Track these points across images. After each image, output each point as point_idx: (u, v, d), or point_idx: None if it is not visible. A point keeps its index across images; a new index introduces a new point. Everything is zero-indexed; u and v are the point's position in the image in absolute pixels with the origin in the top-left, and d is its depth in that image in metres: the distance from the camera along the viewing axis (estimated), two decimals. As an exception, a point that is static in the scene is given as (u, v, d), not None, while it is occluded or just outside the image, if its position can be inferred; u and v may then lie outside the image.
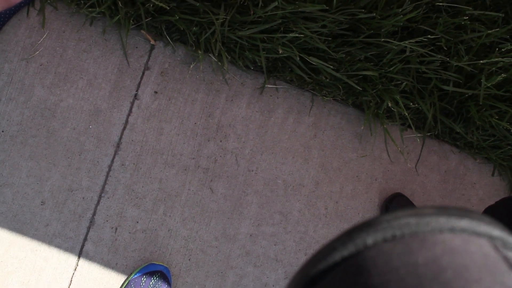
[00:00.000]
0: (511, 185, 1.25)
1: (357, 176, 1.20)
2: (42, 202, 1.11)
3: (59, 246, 1.10)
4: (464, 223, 0.25)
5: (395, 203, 1.15)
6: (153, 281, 1.07)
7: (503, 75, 1.16)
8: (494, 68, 1.19)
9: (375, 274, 0.23)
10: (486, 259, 0.23)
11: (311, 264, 0.26)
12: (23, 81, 1.13)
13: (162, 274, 1.08)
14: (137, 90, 1.17)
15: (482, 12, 1.21)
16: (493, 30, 1.19)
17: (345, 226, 1.17)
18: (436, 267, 0.22)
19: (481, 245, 0.24)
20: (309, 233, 1.18)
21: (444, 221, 0.25)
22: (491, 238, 0.25)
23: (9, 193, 1.10)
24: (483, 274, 0.22)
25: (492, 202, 1.21)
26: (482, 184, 1.23)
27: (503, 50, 1.20)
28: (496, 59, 1.17)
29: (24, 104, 1.13)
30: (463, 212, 0.25)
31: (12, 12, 1.14)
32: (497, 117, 1.18)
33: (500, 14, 1.22)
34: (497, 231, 0.25)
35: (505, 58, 1.17)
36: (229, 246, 1.15)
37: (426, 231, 0.24)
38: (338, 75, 1.15)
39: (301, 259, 1.18)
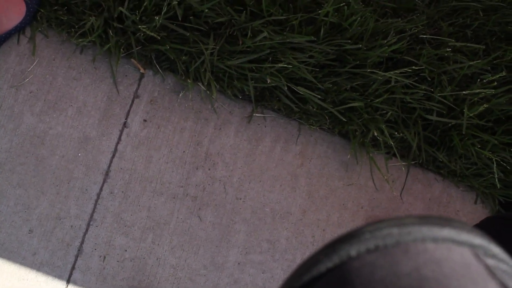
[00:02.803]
0: (493, 212, 1.28)
1: (343, 204, 1.22)
2: (30, 230, 1.11)
3: (46, 275, 1.10)
4: (446, 232, 0.25)
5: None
6: (140, 311, 1.07)
7: (485, 105, 1.19)
8: (476, 99, 1.22)
9: (359, 285, 0.23)
10: (468, 268, 0.23)
11: (296, 276, 0.27)
12: (12, 108, 1.14)
13: (150, 304, 1.09)
14: (126, 118, 1.18)
15: (464, 44, 1.25)
16: (475, 62, 1.22)
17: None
18: (419, 276, 0.23)
19: (462, 254, 0.24)
20: (297, 261, 1.19)
21: (426, 231, 0.25)
22: (472, 246, 0.25)
23: (-3, 222, 1.10)
24: (466, 283, 0.22)
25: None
26: (465, 212, 1.26)
27: (484, 81, 1.24)
28: (478, 90, 1.21)
29: (13, 132, 1.13)
30: (444, 221, 0.26)
31: (2, 39, 1.15)
32: (479, 146, 1.21)
33: (481, 46, 1.26)
34: (478, 239, 0.26)
35: (486, 89, 1.21)
36: (218, 275, 1.16)
37: (408, 241, 0.25)
38: (324, 105, 1.18)
39: (288, 286, 1.19)
